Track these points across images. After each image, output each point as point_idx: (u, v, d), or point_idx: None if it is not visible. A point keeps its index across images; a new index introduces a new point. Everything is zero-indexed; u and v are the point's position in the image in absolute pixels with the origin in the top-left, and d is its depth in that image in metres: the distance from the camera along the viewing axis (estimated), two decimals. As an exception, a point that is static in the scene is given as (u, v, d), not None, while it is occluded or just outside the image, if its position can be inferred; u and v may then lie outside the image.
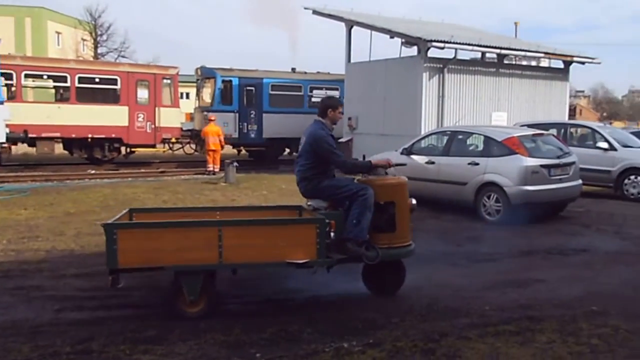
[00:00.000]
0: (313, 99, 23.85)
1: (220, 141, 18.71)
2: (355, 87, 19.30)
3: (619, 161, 13.57)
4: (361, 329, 5.24)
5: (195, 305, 5.34)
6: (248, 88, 22.97)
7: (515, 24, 27.68)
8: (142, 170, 19.59)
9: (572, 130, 15.14)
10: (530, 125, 15.47)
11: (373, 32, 18.86)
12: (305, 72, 24.92)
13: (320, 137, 6.07)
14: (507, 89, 18.94)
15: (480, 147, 11.24)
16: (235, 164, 15.87)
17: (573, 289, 6.67)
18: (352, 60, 19.84)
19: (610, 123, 73.59)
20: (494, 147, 10.83)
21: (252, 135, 23.20)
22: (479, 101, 18.25)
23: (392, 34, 17.58)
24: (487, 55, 19.85)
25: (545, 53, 19.28)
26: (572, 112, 74.73)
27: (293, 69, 25.24)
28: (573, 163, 11.03)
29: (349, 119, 19.27)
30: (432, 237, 9.20)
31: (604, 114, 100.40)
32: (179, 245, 5.21)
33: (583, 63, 20.33)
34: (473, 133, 11.83)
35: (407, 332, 5.16)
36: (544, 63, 22.52)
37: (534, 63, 24.09)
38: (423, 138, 12.35)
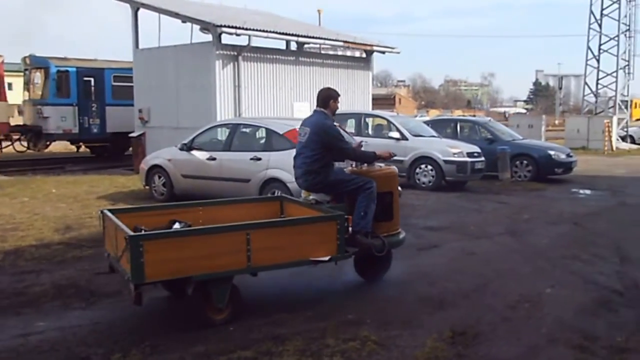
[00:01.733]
0: None
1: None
2: (146, 75, 18.04)
3: (410, 150, 13.91)
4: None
5: (222, 312, 5.35)
6: (87, 79, 21.45)
7: (319, 11, 27.84)
8: None
9: (368, 120, 15.34)
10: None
11: (172, 18, 17.68)
12: None
13: (329, 127, 6.27)
14: (309, 78, 18.83)
15: (263, 141, 10.79)
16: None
17: (336, 295, 6.36)
18: (141, 46, 18.51)
19: (427, 112, 79.21)
20: (276, 140, 10.43)
21: (95, 130, 21.76)
22: (279, 91, 17.93)
23: (182, 17, 16.60)
24: (292, 43, 19.69)
25: (345, 42, 19.46)
26: (392, 101, 79.08)
27: None
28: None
29: (140, 111, 18.03)
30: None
31: (422, 103, 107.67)
32: (207, 253, 5.17)
33: (383, 52, 20.89)
34: (255, 125, 11.35)
35: (120, 373, 4.40)
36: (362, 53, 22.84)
37: (349, 53, 24.43)
38: (204, 132, 11.61)
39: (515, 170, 15.66)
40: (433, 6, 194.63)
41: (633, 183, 16.11)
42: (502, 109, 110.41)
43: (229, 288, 5.33)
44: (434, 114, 68.41)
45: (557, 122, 56.32)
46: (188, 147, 11.29)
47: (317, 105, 6.46)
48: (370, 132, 15.09)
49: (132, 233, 5.07)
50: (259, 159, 10.35)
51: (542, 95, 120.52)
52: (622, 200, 13.08)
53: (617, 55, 31.27)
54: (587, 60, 32.12)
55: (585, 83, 33.48)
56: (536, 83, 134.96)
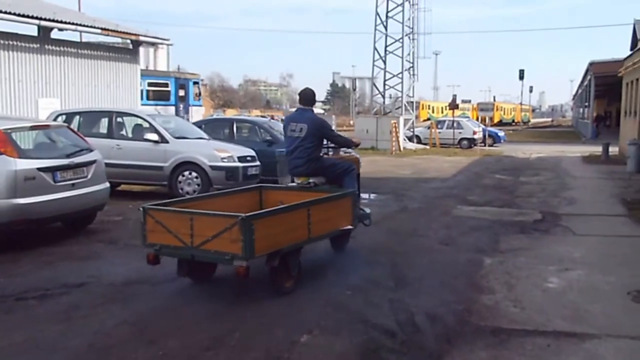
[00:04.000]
0: None
1: None
2: None
3: (171, 155, 12.03)
4: None
5: (292, 279, 6.28)
6: None
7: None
8: None
9: (124, 119, 13.12)
10: (70, 114, 13.15)
11: None
12: None
13: (324, 122, 7.79)
14: (60, 70, 16.17)
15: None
16: None
17: None
18: None
19: (224, 111, 77.90)
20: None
21: None
22: (19, 84, 15.04)
23: None
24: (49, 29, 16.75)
25: (104, 29, 16.92)
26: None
27: None
28: (93, 162, 8.86)
29: None
30: None
31: (220, 102, 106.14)
32: (287, 227, 6.11)
33: (153, 44, 18.84)
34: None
35: None
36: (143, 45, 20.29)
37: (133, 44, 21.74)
38: None
39: (296, 175, 14.48)
40: (231, 7, 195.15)
41: (416, 185, 15.80)
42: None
43: (299, 258, 6.39)
44: (231, 113, 67.35)
45: (352, 122, 58.03)
46: None
47: (303, 104, 7.63)
48: (127, 133, 12.95)
49: (243, 214, 5.62)
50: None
51: (338, 96, 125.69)
52: (404, 205, 12.41)
53: (402, 57, 32.09)
54: (374, 61, 32.64)
55: (373, 84, 34.10)
56: (333, 84, 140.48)
